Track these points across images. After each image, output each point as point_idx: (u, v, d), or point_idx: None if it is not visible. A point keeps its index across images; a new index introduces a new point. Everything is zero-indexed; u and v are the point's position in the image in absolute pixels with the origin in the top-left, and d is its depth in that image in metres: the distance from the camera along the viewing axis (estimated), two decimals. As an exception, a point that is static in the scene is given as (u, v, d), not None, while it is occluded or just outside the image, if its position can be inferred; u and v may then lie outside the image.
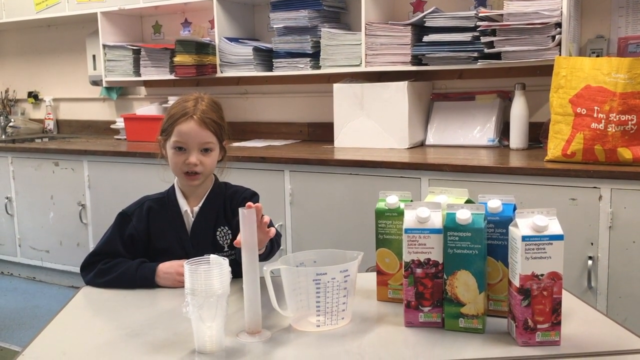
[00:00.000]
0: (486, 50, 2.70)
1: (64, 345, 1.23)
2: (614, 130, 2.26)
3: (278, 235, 1.50)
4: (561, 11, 2.53)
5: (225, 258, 1.17)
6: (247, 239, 1.20)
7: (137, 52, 3.73)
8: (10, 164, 3.89)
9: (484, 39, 2.69)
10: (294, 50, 3.22)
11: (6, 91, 4.82)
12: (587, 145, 2.31)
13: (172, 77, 3.58)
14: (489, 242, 1.21)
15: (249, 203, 1.24)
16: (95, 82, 4.08)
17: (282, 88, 3.64)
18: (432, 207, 1.23)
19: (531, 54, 2.61)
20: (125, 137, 3.88)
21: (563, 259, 1.12)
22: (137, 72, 3.73)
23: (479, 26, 2.69)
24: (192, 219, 1.63)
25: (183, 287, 1.16)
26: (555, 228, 1.12)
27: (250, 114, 3.77)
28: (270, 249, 1.51)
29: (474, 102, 3.03)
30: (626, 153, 2.26)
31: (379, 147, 2.96)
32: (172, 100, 3.61)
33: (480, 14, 2.71)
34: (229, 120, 1.72)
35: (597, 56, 2.75)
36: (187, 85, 3.80)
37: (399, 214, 1.33)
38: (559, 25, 2.54)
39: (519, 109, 2.75)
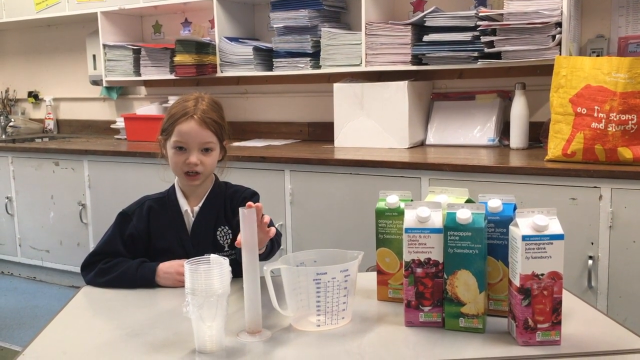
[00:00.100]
0: (486, 50, 2.70)
1: (65, 344, 1.23)
2: (614, 129, 2.26)
3: (278, 234, 1.50)
4: (561, 11, 2.52)
5: (225, 258, 1.17)
6: (248, 238, 1.20)
7: (137, 52, 3.73)
8: (10, 163, 3.89)
9: (484, 39, 2.69)
10: (294, 50, 3.22)
11: (6, 91, 4.82)
12: (588, 145, 2.31)
13: (172, 76, 3.58)
14: (489, 241, 1.21)
15: (249, 203, 1.23)
16: (96, 82, 4.08)
17: (282, 88, 3.64)
18: (432, 206, 1.23)
19: (531, 54, 2.61)
20: (125, 136, 3.88)
21: (563, 259, 1.12)
22: (137, 72, 3.73)
23: (479, 26, 2.69)
24: (193, 219, 1.63)
25: (183, 286, 1.16)
26: (555, 228, 1.12)
27: (251, 114, 3.77)
28: (271, 248, 1.51)
29: (474, 102, 3.03)
30: (626, 153, 2.26)
31: (379, 147, 2.96)
32: (172, 100, 3.61)
33: (480, 14, 2.71)
34: (229, 120, 1.72)
35: (598, 56, 2.75)
36: (187, 85, 3.80)
37: (399, 213, 1.33)
38: (559, 24, 2.54)
39: (519, 109, 2.75)
